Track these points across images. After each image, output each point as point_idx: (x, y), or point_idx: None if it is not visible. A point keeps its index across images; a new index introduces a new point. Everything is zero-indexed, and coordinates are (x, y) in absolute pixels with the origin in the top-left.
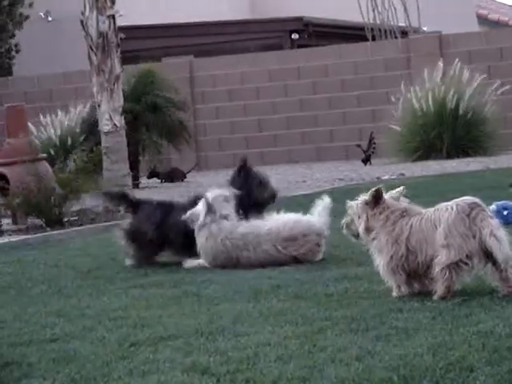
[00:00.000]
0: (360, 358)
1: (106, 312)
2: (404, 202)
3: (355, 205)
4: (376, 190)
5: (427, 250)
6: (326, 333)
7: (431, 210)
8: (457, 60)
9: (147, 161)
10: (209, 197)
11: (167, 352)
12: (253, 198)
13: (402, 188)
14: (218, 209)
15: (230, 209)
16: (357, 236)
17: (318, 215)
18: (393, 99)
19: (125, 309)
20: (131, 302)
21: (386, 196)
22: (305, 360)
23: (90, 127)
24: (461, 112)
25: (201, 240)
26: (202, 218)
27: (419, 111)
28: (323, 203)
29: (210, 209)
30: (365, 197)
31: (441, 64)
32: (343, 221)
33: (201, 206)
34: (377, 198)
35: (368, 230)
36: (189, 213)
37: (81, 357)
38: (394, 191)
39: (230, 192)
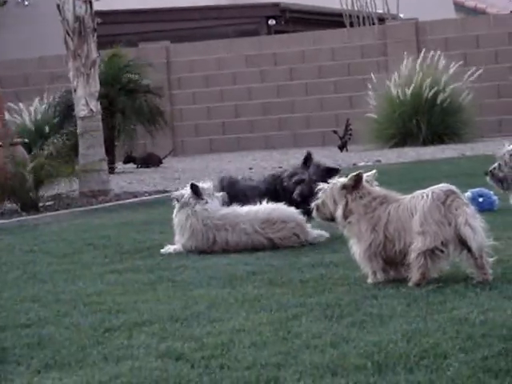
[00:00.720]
0: (335, 344)
1: (81, 297)
2: (378, 187)
3: (329, 188)
4: (357, 175)
5: (405, 238)
6: (301, 319)
7: (408, 197)
8: (434, 48)
9: (123, 146)
10: (200, 184)
11: (142, 338)
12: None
13: (374, 171)
14: (204, 196)
15: (215, 202)
16: (329, 219)
17: None
18: (369, 86)
19: (100, 294)
20: (106, 288)
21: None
22: (279, 346)
23: (65, 112)
24: (438, 100)
25: (180, 218)
26: (186, 197)
27: (396, 98)
28: None
29: (197, 193)
30: (340, 180)
31: (417, 51)
32: (313, 203)
33: (187, 190)
34: (357, 183)
35: (346, 214)
36: (176, 193)
37: (55, 342)
38: (366, 174)
39: (220, 193)
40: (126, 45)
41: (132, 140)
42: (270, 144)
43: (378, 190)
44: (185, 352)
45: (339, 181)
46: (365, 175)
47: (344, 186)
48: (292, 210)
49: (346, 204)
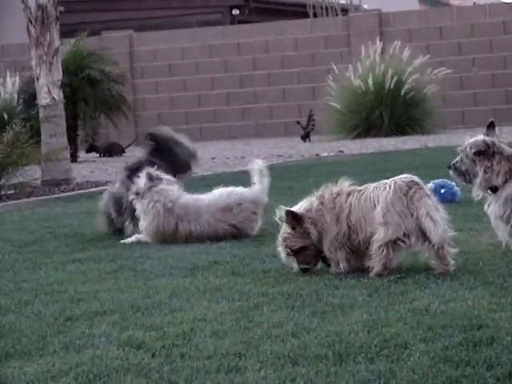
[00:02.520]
0: (296, 334)
1: (42, 286)
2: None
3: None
4: (287, 213)
5: (367, 228)
6: (262, 309)
7: (370, 187)
8: (397, 39)
9: (85, 135)
10: (148, 170)
11: (103, 327)
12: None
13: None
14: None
15: (175, 187)
16: (292, 254)
17: (257, 183)
18: (330, 77)
19: (61, 283)
20: (68, 277)
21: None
22: (240, 336)
23: (27, 100)
24: (402, 91)
25: (143, 204)
26: (144, 183)
27: (358, 89)
28: (257, 168)
29: (151, 178)
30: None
31: (379, 42)
32: (279, 240)
33: (141, 179)
34: (296, 220)
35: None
36: (134, 190)
37: (16, 330)
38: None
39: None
40: (88, 34)
41: (94, 129)
42: (233, 134)
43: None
44: (146, 341)
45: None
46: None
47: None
48: (244, 189)
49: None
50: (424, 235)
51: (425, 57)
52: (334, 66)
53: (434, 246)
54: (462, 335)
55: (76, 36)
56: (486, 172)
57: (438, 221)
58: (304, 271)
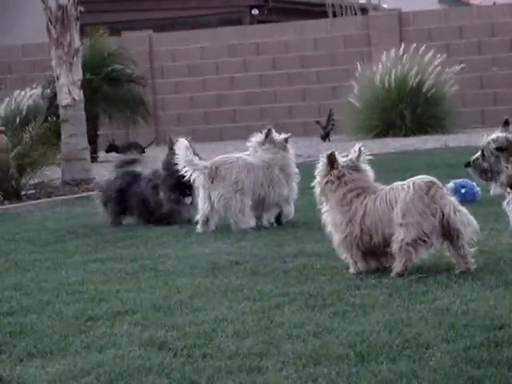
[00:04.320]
0: (317, 334)
1: (63, 286)
2: (362, 176)
3: (320, 167)
4: (329, 154)
5: (383, 230)
6: (283, 309)
7: (386, 188)
8: (417, 39)
9: (106, 135)
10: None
11: (125, 326)
12: None
13: (358, 147)
14: None
15: None
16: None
17: None
18: (352, 76)
19: (82, 283)
20: (89, 276)
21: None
22: (262, 336)
23: (49, 100)
24: (424, 90)
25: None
26: None
27: (379, 89)
28: None
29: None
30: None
31: (400, 42)
32: (315, 183)
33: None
34: (331, 161)
35: (322, 195)
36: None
37: (38, 330)
38: (351, 156)
39: None
40: (108, 33)
41: (115, 129)
42: (253, 134)
43: (360, 180)
44: (167, 341)
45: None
46: (349, 156)
47: (328, 163)
48: None
49: (325, 183)
50: (446, 234)
51: (443, 56)
52: (358, 65)
53: (455, 244)
54: (483, 335)
55: (96, 33)
56: (508, 169)
57: (467, 214)
58: None
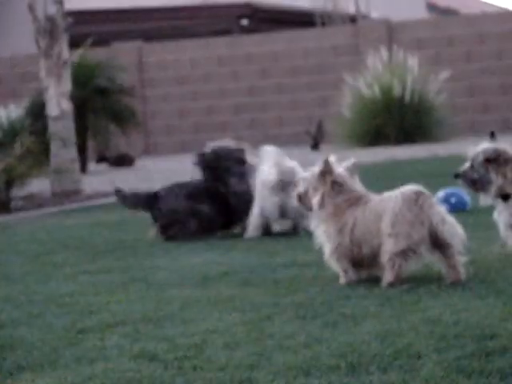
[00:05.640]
0: (308, 344)
1: (53, 298)
2: (358, 184)
3: (310, 176)
4: (326, 160)
5: (372, 241)
6: (274, 319)
7: (377, 199)
8: (406, 47)
9: (95, 146)
10: None
11: (115, 339)
12: None
13: (352, 160)
14: None
15: None
16: (311, 209)
17: None
18: (341, 86)
19: (72, 295)
20: (79, 288)
21: (340, 169)
22: (253, 347)
23: (37, 112)
24: (406, 99)
25: None
26: None
27: (368, 98)
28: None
29: None
30: (318, 167)
31: (386, 50)
32: (295, 191)
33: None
34: (327, 167)
35: (320, 205)
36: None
37: (28, 343)
38: (346, 164)
39: None
40: (98, 44)
41: (104, 140)
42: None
43: (356, 189)
44: (158, 353)
45: (316, 168)
46: (346, 164)
47: (321, 173)
48: None
49: (323, 196)
50: (435, 244)
51: (432, 64)
52: (347, 75)
53: (445, 254)
54: (474, 345)
55: (83, 46)
56: (499, 180)
57: (455, 224)
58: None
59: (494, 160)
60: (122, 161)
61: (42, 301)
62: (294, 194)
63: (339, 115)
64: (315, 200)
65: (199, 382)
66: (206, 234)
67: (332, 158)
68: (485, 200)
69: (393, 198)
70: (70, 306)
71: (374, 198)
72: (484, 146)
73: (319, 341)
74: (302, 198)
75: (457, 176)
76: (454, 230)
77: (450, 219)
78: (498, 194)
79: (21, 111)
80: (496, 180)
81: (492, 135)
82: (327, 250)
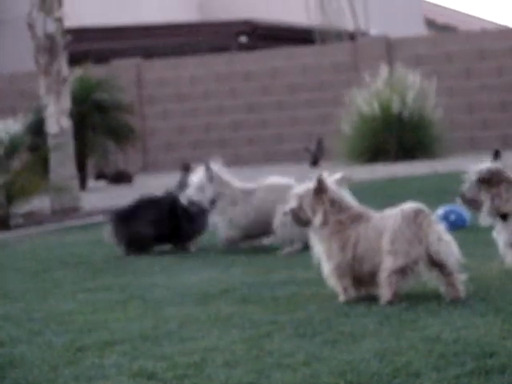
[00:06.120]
0: (307, 362)
1: (53, 316)
2: (355, 202)
3: (305, 193)
4: (319, 177)
5: (374, 259)
6: (273, 337)
7: (378, 216)
8: (405, 64)
9: (94, 163)
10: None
11: (114, 357)
12: None
13: (341, 174)
14: None
15: None
16: (304, 224)
17: None
18: (340, 102)
19: (72, 313)
20: (78, 306)
21: (333, 186)
22: (252, 365)
23: (36, 128)
24: (404, 116)
25: None
26: None
27: (367, 115)
28: None
29: None
30: (312, 185)
31: (385, 67)
32: (288, 207)
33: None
34: (321, 185)
35: (322, 224)
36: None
37: (27, 361)
38: (335, 177)
39: None
40: (97, 61)
41: (103, 157)
42: (242, 161)
43: (355, 206)
44: (157, 371)
45: (311, 186)
46: (334, 177)
47: (316, 191)
48: None
49: (325, 214)
50: (433, 262)
51: (431, 81)
52: (346, 91)
53: (444, 272)
54: (474, 363)
55: (82, 64)
56: (493, 199)
57: (451, 243)
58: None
59: (487, 180)
60: (121, 178)
61: (41, 319)
62: (287, 209)
63: (339, 132)
64: (317, 218)
65: None
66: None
67: (325, 176)
68: (485, 220)
69: (393, 216)
70: (69, 324)
71: (376, 215)
72: (480, 166)
73: (318, 359)
74: (296, 214)
75: (460, 196)
76: (449, 249)
77: (447, 238)
78: (493, 213)
79: (19, 127)
80: (489, 200)
81: (496, 154)
82: (328, 267)
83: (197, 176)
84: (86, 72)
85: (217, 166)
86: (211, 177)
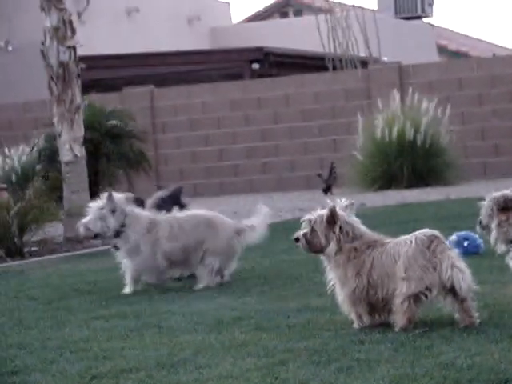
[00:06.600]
0: None
1: (67, 344)
2: (355, 220)
3: (318, 220)
4: (330, 208)
5: (388, 285)
6: (288, 365)
7: (392, 243)
8: (417, 91)
9: (108, 190)
10: None
11: None
12: None
13: (349, 201)
14: None
15: None
16: (316, 251)
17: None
18: (353, 129)
19: (86, 340)
20: (93, 334)
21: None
22: None
23: (49, 157)
24: (418, 142)
25: None
26: None
27: (380, 141)
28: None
29: None
30: (323, 212)
31: (398, 94)
32: (300, 232)
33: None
34: (332, 216)
35: (336, 252)
36: None
37: None
38: (342, 201)
39: None
40: (108, 89)
41: (117, 184)
42: (255, 188)
43: (369, 233)
44: None
45: (323, 213)
46: (342, 204)
47: (327, 220)
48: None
49: (339, 242)
50: (446, 288)
51: (440, 108)
52: (359, 118)
53: (457, 298)
54: None
55: (98, 92)
56: (502, 226)
57: (464, 270)
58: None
59: (502, 207)
60: (135, 204)
61: (55, 347)
62: (300, 235)
63: (351, 158)
64: (331, 247)
65: None
66: None
67: (337, 205)
68: (500, 247)
69: (407, 242)
70: (84, 352)
71: (390, 242)
72: (496, 193)
73: None
74: (308, 239)
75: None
76: (461, 276)
77: (460, 265)
78: (504, 240)
79: (30, 154)
80: (496, 227)
81: None
82: (342, 294)
83: (96, 205)
84: (99, 100)
85: (119, 196)
86: (114, 207)
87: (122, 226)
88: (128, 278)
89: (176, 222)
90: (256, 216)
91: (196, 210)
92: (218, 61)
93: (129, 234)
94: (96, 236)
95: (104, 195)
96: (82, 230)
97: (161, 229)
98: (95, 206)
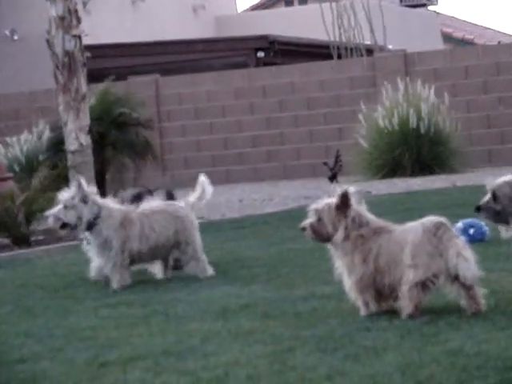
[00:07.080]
0: (329, 377)
1: (74, 332)
2: (373, 216)
3: (326, 208)
4: (343, 193)
5: (395, 272)
6: (295, 352)
7: (399, 229)
8: (422, 79)
9: (114, 179)
10: None
11: (136, 373)
12: None
13: (353, 189)
14: None
15: None
16: (323, 240)
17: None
18: (358, 117)
19: (93, 329)
20: (100, 322)
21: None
22: (274, 379)
23: (55, 146)
24: (422, 130)
25: None
26: None
27: (385, 129)
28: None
29: None
30: (332, 200)
31: (402, 82)
32: (307, 222)
33: None
34: (344, 201)
35: (344, 239)
36: None
37: (50, 377)
38: (353, 191)
39: None
40: (115, 79)
41: (123, 173)
42: (260, 176)
43: (376, 220)
44: None
45: (333, 201)
46: (352, 192)
47: (337, 207)
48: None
49: (346, 228)
50: (453, 275)
51: (448, 95)
52: (361, 107)
53: (464, 286)
54: (496, 376)
55: (103, 81)
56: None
57: (470, 258)
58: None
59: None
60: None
61: (63, 335)
62: (306, 224)
63: (356, 147)
64: (339, 234)
65: None
66: None
67: (350, 190)
68: (507, 232)
69: (414, 229)
70: (91, 340)
71: (396, 229)
72: (507, 177)
73: (341, 373)
74: (315, 229)
75: (478, 209)
76: (466, 265)
77: (466, 253)
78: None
79: (34, 143)
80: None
81: None
82: (350, 281)
83: (66, 194)
84: (105, 89)
85: (87, 185)
86: (85, 196)
87: (95, 218)
88: (111, 274)
89: (147, 220)
90: (197, 188)
91: (158, 203)
92: (223, 49)
93: (101, 227)
94: (64, 225)
95: (73, 183)
96: (51, 221)
97: (133, 226)
98: (65, 195)
